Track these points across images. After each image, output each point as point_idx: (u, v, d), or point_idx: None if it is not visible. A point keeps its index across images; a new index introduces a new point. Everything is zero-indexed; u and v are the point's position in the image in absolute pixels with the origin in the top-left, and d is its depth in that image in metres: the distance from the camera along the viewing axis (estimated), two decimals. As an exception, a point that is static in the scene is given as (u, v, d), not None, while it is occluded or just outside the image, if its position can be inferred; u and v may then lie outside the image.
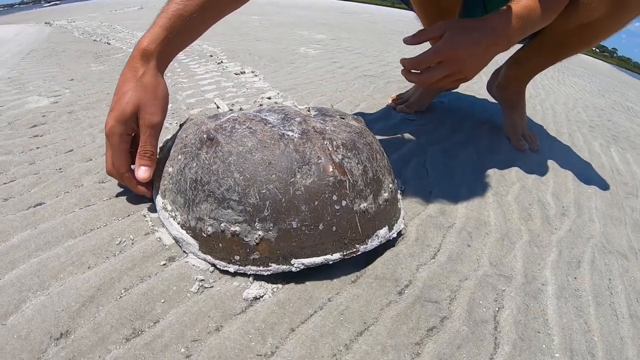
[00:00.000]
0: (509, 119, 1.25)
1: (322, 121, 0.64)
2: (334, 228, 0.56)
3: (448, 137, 1.20)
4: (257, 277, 0.56)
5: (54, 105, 1.17)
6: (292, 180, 0.54)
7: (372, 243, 0.60)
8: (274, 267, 0.55)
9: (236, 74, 1.63)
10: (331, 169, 0.56)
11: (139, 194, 0.69)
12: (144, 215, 0.66)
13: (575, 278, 0.69)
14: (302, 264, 0.55)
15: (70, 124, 1.04)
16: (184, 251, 0.59)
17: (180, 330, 0.47)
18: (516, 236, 0.76)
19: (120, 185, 0.75)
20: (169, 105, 1.12)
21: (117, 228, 0.63)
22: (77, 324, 0.47)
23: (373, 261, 0.63)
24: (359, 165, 0.60)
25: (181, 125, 0.72)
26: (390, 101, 1.42)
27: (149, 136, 0.64)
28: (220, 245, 0.56)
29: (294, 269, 0.55)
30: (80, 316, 0.48)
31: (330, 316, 0.52)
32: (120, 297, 0.51)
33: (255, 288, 0.54)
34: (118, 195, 0.72)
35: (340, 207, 0.56)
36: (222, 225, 0.55)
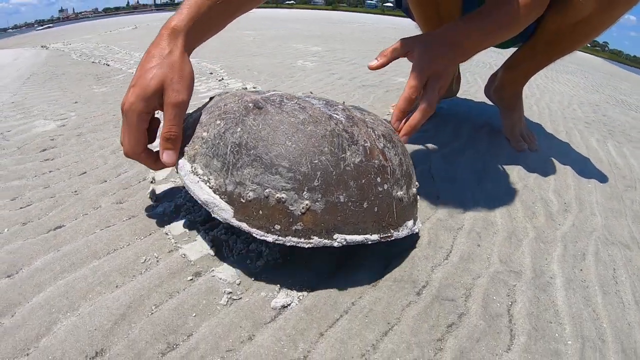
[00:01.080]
0: (508, 120, 1.28)
1: (360, 113, 0.67)
2: (376, 209, 0.57)
3: (449, 142, 1.23)
4: (290, 263, 0.59)
5: (61, 129, 1.20)
6: (342, 156, 0.56)
7: (403, 232, 0.61)
8: (316, 240, 0.55)
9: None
10: (376, 153, 0.59)
11: (157, 170, 0.68)
12: (166, 234, 0.69)
13: (581, 270, 0.72)
14: (345, 239, 0.55)
15: (80, 147, 1.07)
16: (214, 217, 0.58)
17: (215, 341, 0.50)
18: (522, 234, 0.79)
19: (139, 203, 0.78)
20: None
21: (141, 247, 0.66)
22: (111, 342, 0.49)
23: (390, 265, 0.66)
24: (396, 156, 0.62)
25: (206, 103, 0.71)
26: (391, 109, 1.45)
27: (175, 116, 0.60)
28: (261, 212, 0.54)
29: (335, 244, 0.55)
30: (114, 334, 0.50)
31: (356, 319, 0.55)
32: (152, 313, 0.53)
33: (282, 297, 0.56)
34: (137, 214, 0.75)
35: (382, 190, 0.58)
36: (266, 191, 0.54)
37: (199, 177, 0.59)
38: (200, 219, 0.72)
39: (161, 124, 0.62)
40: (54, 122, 1.25)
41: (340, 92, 1.74)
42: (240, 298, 0.56)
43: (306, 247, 0.55)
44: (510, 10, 0.82)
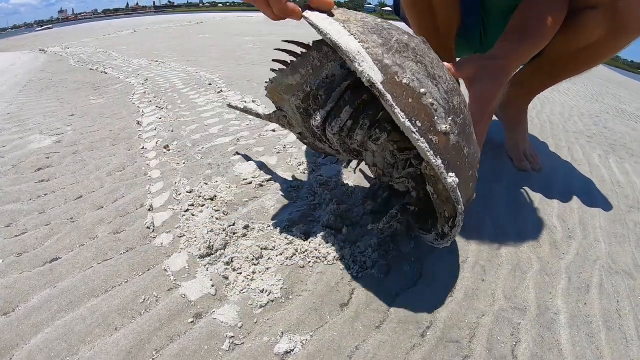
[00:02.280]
0: (512, 138, 1.28)
1: None
2: (471, 184, 0.62)
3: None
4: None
5: (57, 145, 1.19)
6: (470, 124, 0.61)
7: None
8: (439, 164, 0.53)
9: None
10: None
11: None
12: (165, 270, 0.68)
13: (585, 304, 0.72)
14: (454, 182, 0.54)
15: (76, 167, 1.06)
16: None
17: (217, 390, 0.49)
18: (527, 265, 0.79)
19: (134, 235, 0.77)
20: (174, 143, 1.15)
21: (139, 284, 0.65)
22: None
23: (394, 303, 0.65)
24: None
25: None
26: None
27: None
28: (410, 101, 0.52)
29: (449, 180, 0.54)
30: (115, 381, 0.49)
31: (360, 366, 0.54)
32: (153, 359, 0.53)
33: (285, 342, 0.56)
34: (135, 247, 0.74)
35: (474, 174, 0.63)
36: (422, 90, 0.53)
37: (348, 32, 0.54)
38: (199, 253, 0.71)
39: None
40: (49, 138, 1.25)
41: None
42: (243, 343, 0.56)
43: (432, 161, 0.52)
44: (541, 26, 0.91)
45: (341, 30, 0.54)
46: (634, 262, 0.88)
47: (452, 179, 0.54)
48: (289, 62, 0.69)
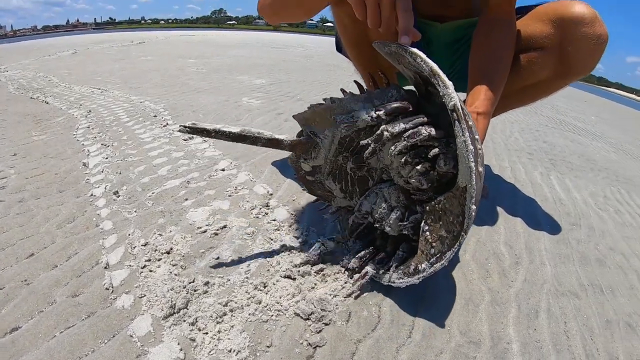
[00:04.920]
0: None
1: None
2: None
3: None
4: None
5: (1, 192, 1.17)
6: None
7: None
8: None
9: (184, 140, 1.65)
10: None
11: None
12: (130, 335, 0.68)
13: (535, 329, 0.79)
14: (475, 209, 0.68)
15: (24, 219, 1.04)
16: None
17: None
18: (479, 298, 0.85)
19: (94, 297, 0.77)
20: (123, 188, 1.15)
21: (107, 354, 0.64)
22: None
23: (357, 351, 0.69)
24: None
25: None
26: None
27: None
28: (473, 134, 0.67)
29: (473, 207, 0.67)
30: None
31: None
32: None
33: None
34: (96, 310, 0.73)
35: None
36: (477, 135, 0.68)
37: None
38: (162, 314, 0.72)
39: None
40: None
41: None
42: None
43: (472, 190, 0.67)
44: (504, 68, 1.03)
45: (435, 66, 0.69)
46: (578, 282, 0.97)
47: (474, 206, 0.67)
48: (365, 89, 0.84)
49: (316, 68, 4.59)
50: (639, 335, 0.84)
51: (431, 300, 0.83)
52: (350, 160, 0.87)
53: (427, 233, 0.74)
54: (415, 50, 0.71)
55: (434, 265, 0.71)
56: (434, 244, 0.73)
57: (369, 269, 0.81)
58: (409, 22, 0.76)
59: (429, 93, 0.78)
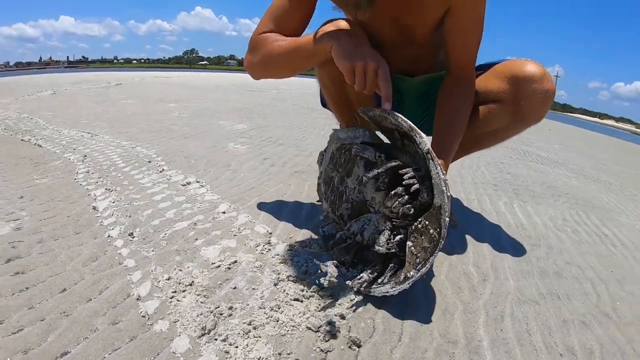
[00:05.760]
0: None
1: None
2: None
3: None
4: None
5: (18, 233, 1.25)
6: None
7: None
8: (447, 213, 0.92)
9: (183, 185, 1.80)
10: None
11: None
12: (174, 352, 0.82)
13: (501, 330, 0.98)
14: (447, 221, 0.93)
15: (48, 257, 1.13)
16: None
17: None
18: (453, 308, 1.04)
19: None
20: (137, 230, 1.28)
21: None
22: None
23: (359, 355, 0.86)
24: None
25: None
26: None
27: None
28: (442, 170, 0.94)
29: (447, 219, 0.92)
30: None
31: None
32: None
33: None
34: (137, 334, 0.87)
35: None
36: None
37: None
38: (196, 334, 0.87)
39: None
40: (7, 224, 1.30)
41: (278, 182, 1.93)
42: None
43: (446, 208, 0.92)
44: (462, 121, 1.24)
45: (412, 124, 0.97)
46: (538, 291, 1.17)
47: (447, 218, 0.91)
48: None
49: (292, 112, 4.82)
50: (592, 330, 1.03)
51: (415, 312, 1.01)
52: (333, 173, 1.21)
53: (412, 247, 0.96)
54: (396, 112, 0.96)
55: (420, 271, 0.92)
56: (418, 255, 0.94)
57: (365, 277, 1.01)
58: (390, 90, 0.99)
59: (404, 145, 1.03)
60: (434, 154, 0.92)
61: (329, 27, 1.11)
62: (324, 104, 1.62)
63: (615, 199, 2.58)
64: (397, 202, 0.98)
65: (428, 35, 1.27)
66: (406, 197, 0.98)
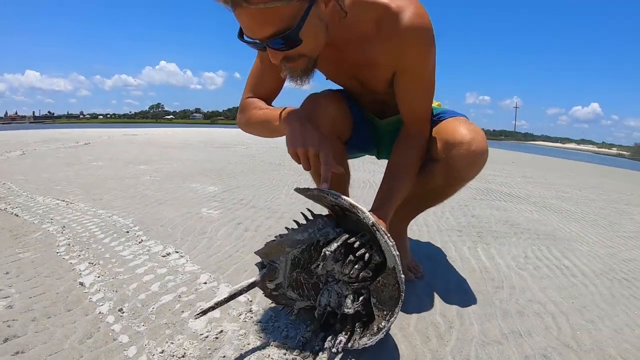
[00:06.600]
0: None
1: None
2: None
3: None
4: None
5: (11, 312, 1.27)
6: None
7: None
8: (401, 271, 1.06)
9: (163, 257, 1.85)
10: None
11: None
12: None
13: (467, 373, 1.10)
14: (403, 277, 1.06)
15: (44, 336, 1.16)
16: None
17: None
18: (422, 357, 1.16)
19: None
20: (125, 305, 1.36)
21: None
22: None
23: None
24: None
25: None
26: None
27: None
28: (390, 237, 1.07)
29: (402, 276, 1.05)
30: None
31: None
32: None
33: None
34: None
35: None
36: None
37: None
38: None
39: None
40: None
41: (253, 248, 1.94)
42: None
43: (399, 268, 1.05)
44: (409, 175, 1.36)
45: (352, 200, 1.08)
46: (500, 332, 1.30)
47: (402, 276, 1.03)
48: (300, 223, 1.22)
49: (261, 169, 4.97)
50: (552, 361, 1.17)
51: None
52: (303, 274, 1.24)
53: (377, 303, 1.10)
54: (334, 191, 1.10)
55: (390, 320, 1.05)
56: (384, 308, 1.08)
57: (341, 338, 1.11)
58: (328, 173, 1.14)
59: (345, 215, 1.19)
60: (378, 225, 1.04)
61: (288, 109, 1.28)
62: None
63: (576, 227, 2.76)
64: (354, 269, 1.10)
65: (386, 88, 1.38)
66: (361, 262, 1.10)
